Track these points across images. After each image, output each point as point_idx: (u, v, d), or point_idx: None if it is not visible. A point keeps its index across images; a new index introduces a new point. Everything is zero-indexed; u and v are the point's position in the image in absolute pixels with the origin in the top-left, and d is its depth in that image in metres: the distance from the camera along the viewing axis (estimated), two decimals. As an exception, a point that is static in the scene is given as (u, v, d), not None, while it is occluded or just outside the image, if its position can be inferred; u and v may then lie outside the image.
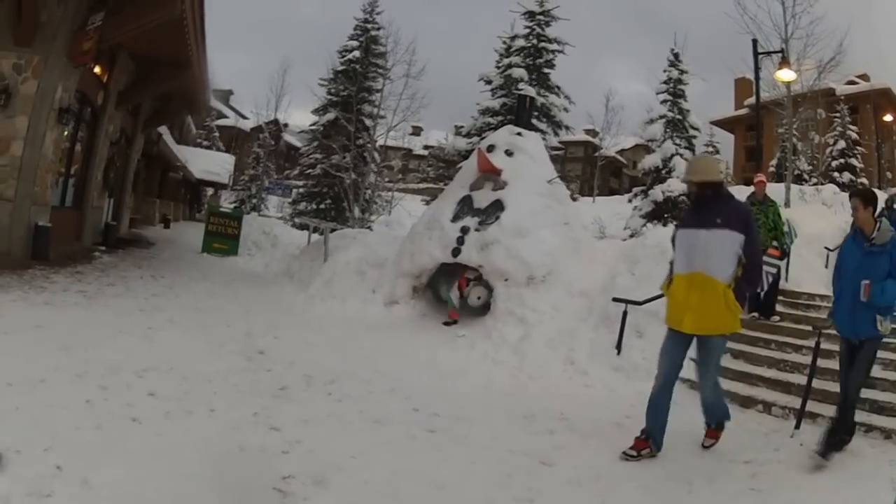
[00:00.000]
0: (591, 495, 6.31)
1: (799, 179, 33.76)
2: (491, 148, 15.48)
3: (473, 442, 7.49)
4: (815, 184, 36.29)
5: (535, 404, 9.40)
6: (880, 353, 8.94)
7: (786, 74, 21.05)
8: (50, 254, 14.79)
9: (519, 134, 15.93)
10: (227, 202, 47.44)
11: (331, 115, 34.46)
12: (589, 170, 73.70)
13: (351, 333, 12.77)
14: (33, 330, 9.16)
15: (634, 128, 58.53)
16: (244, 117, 70.92)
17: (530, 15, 30.59)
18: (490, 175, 14.79)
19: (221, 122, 65.60)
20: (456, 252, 14.04)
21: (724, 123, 64.18)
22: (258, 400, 7.85)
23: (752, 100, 52.29)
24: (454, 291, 14.17)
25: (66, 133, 16.78)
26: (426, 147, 76.57)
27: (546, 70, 29.95)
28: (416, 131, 65.90)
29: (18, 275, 12.71)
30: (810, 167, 44.04)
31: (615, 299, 11.81)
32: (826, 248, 13.51)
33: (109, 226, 22.39)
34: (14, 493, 4.69)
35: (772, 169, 42.64)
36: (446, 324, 13.87)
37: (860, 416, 8.39)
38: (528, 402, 9.51)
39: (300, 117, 53.99)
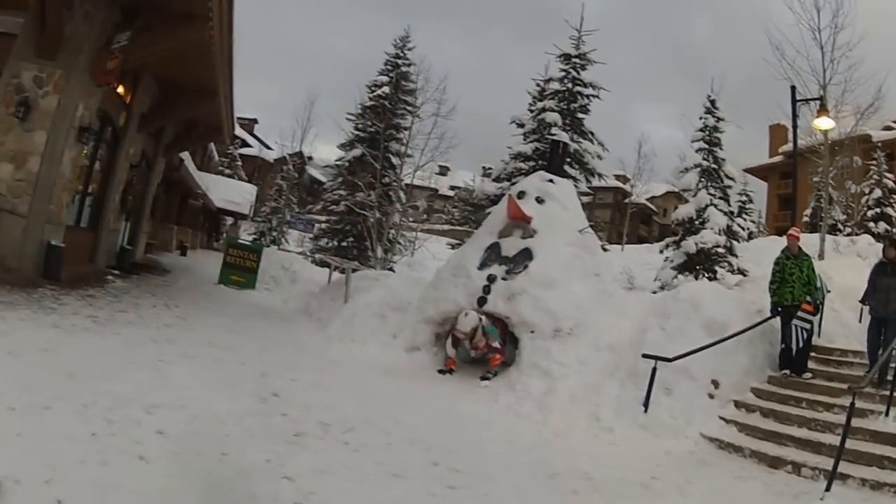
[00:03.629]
0: None
1: (833, 229, 33.34)
2: (521, 194, 15.29)
3: (495, 500, 7.28)
4: (849, 234, 35.96)
5: (558, 462, 9.15)
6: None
7: (824, 123, 20.78)
8: (62, 274, 14.47)
9: (551, 181, 15.77)
10: (246, 233, 47.49)
11: (357, 151, 34.31)
12: (618, 217, 73.56)
13: (370, 379, 12.50)
14: (40, 353, 8.89)
15: (666, 174, 58.29)
16: (268, 147, 71.01)
17: (566, 58, 30.31)
18: (519, 222, 14.62)
19: (245, 150, 65.72)
20: (482, 301, 13.86)
21: (757, 171, 63.66)
22: (271, 446, 7.53)
23: (786, 147, 52.01)
24: (448, 340, 13.94)
25: (85, 152, 16.45)
26: (452, 188, 76.81)
27: (580, 115, 29.73)
28: (443, 171, 66.02)
29: (28, 293, 12.38)
30: (845, 216, 43.50)
31: (644, 355, 11.53)
32: (860, 301, 13.27)
33: (125, 250, 22.12)
34: None
35: (805, 219, 42.31)
36: (441, 371, 13.67)
37: (891, 477, 8.52)
38: (551, 460, 9.24)
39: (325, 151, 54.57)
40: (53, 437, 6.10)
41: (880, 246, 19.78)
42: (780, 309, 12.61)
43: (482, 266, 14.39)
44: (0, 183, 13.48)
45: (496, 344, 13.45)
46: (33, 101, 13.75)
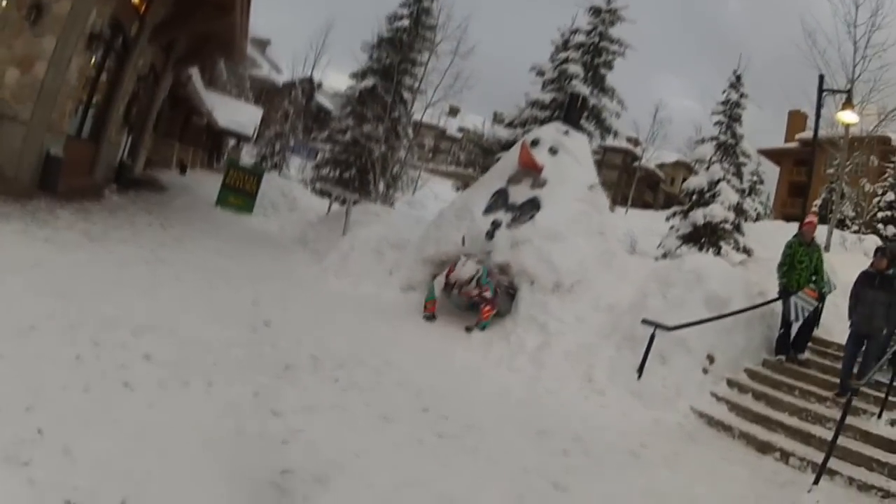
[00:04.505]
0: None
1: (841, 224, 33.20)
2: (535, 143, 15.01)
3: (484, 454, 7.15)
4: (856, 231, 35.79)
5: (549, 420, 9.07)
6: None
7: (848, 117, 20.45)
8: (59, 186, 14.08)
9: (566, 133, 15.47)
10: (247, 156, 47.10)
11: (369, 82, 33.88)
12: (625, 179, 73.28)
13: (363, 316, 12.33)
14: (30, 269, 8.61)
15: (678, 144, 57.98)
16: (278, 70, 70.43)
17: (596, 11, 30.00)
18: (530, 171, 14.37)
19: (254, 72, 65.14)
20: (490, 235, 13.71)
21: (771, 154, 63.01)
22: (260, 378, 7.36)
23: (803, 134, 51.60)
24: (440, 279, 13.56)
25: (93, 61, 16.01)
26: (461, 129, 76.27)
27: (603, 70, 29.45)
28: (453, 112, 65.43)
29: (22, 205, 12.01)
30: (854, 213, 43.27)
31: (645, 321, 11.34)
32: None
33: (124, 164, 21.56)
34: None
35: (814, 209, 42.03)
36: (426, 318, 13.31)
37: (879, 480, 8.46)
38: (542, 417, 9.17)
39: (336, 79, 53.62)
40: (37, 360, 5.89)
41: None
42: (787, 293, 12.38)
43: (487, 211, 14.17)
44: (4, 89, 13.02)
45: (488, 294, 13.12)
46: (46, 4, 13.23)
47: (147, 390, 6.07)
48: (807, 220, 13.56)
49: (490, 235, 13.64)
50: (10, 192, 12.16)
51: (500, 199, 14.28)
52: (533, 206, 13.88)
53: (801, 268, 12.43)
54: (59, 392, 5.45)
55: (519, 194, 14.19)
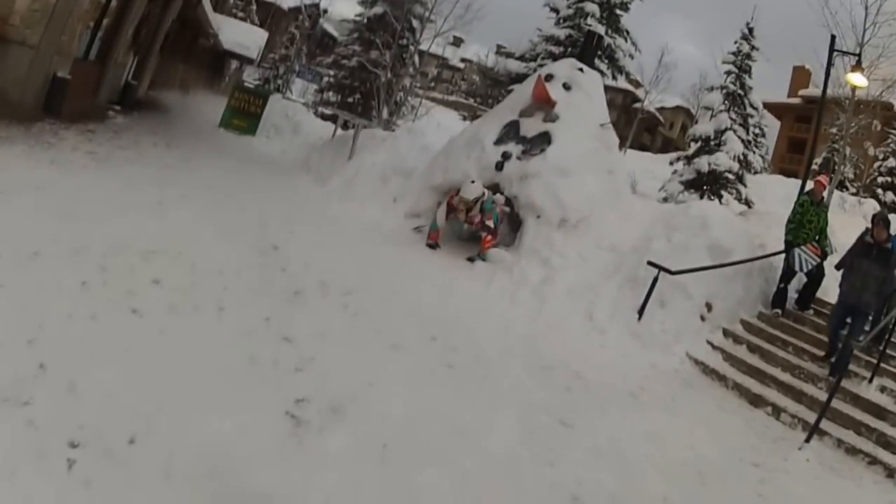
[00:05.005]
0: (609, 467, 6.21)
1: (841, 186, 33.25)
2: (549, 77, 14.81)
3: (492, 387, 7.24)
4: (854, 193, 35.83)
5: (551, 355, 9.15)
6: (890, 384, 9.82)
7: (858, 79, 20.33)
8: (63, 108, 13.87)
9: (580, 70, 15.31)
10: (251, 78, 46.66)
11: (379, 9, 33.63)
12: (624, 119, 72.70)
13: (369, 241, 12.37)
14: (34, 192, 8.39)
15: (681, 89, 57.67)
16: (285, -6, 69.70)
17: (614, -49, 29.74)
18: (543, 105, 14.23)
19: (260, -6, 64.49)
20: (500, 166, 13.63)
21: (773, 108, 62.57)
22: (271, 302, 7.39)
23: (807, 91, 51.36)
24: (442, 209, 13.51)
25: None
26: (463, 60, 75.71)
27: (619, 11, 29.25)
28: (457, 42, 64.83)
29: (26, 127, 11.78)
30: (853, 176, 43.19)
31: (650, 263, 11.39)
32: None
33: (129, 85, 21.18)
34: None
35: (814, 167, 41.93)
36: (429, 246, 13.28)
37: (867, 445, 8.56)
38: (544, 352, 9.24)
39: (343, 6, 53.05)
40: (41, 288, 5.74)
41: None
42: (791, 247, 12.39)
43: (498, 142, 14.06)
44: (14, 15, 12.65)
45: (490, 223, 13.05)
46: None
47: (156, 317, 6.01)
48: (818, 178, 13.44)
49: (500, 167, 13.56)
50: (14, 115, 11.97)
51: (511, 131, 14.17)
52: (544, 139, 13.77)
53: (809, 227, 12.37)
54: (63, 322, 5.33)
55: (531, 127, 14.07)
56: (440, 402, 6.28)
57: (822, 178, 13.41)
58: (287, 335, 6.57)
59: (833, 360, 10.26)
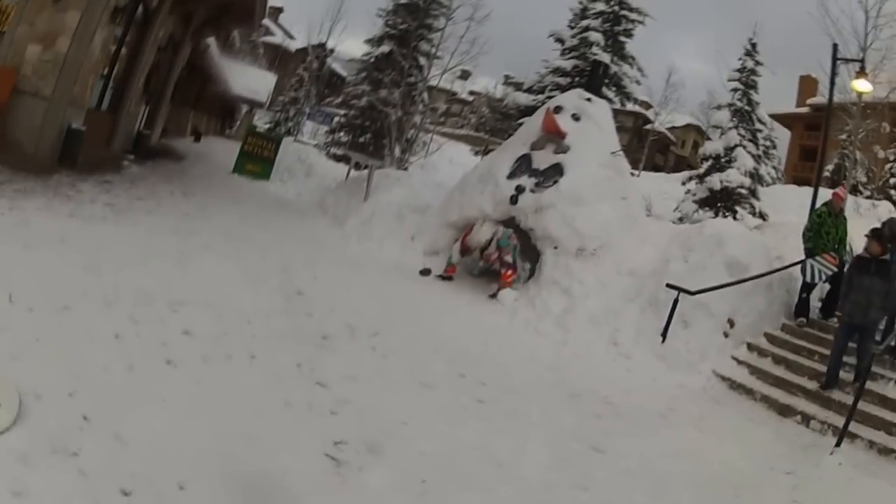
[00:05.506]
0: (643, 489, 6.22)
1: (854, 190, 33.26)
2: (558, 109, 14.96)
3: (523, 417, 7.31)
4: (868, 196, 35.79)
5: (579, 383, 9.23)
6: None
7: (862, 85, 20.42)
8: (79, 159, 13.97)
9: (588, 100, 15.44)
10: (261, 122, 46.91)
11: (386, 48, 33.99)
12: (636, 142, 72.63)
13: (390, 281, 12.53)
14: (57, 245, 8.43)
15: (690, 106, 57.76)
16: (291, 37, 70.09)
17: (614, -21, 30.02)
18: (554, 137, 14.33)
19: (267, 38, 64.91)
20: (514, 200, 13.71)
21: (782, 118, 62.18)
22: (301, 348, 7.47)
23: (815, 99, 51.31)
24: (457, 245, 13.77)
25: (115, 34, 15.86)
26: (472, 93, 75.84)
27: (623, 39, 29.48)
28: (464, 75, 65.45)
29: (44, 180, 11.91)
30: (866, 179, 43.13)
31: (669, 285, 11.48)
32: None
33: (142, 134, 21.39)
34: (35, 449, 4.18)
35: (826, 174, 41.85)
36: (441, 277, 13.51)
37: None
38: (572, 380, 9.34)
39: (349, 45, 53.39)
40: (75, 341, 5.79)
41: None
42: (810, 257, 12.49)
43: (511, 176, 14.14)
44: (25, 64, 12.92)
45: (509, 258, 13.19)
46: None
47: (191, 366, 6.10)
48: (835, 191, 13.56)
49: (514, 200, 13.65)
50: (30, 167, 12.10)
51: (523, 164, 14.25)
52: (557, 171, 13.87)
53: (828, 238, 12.47)
54: (101, 373, 5.39)
55: (542, 159, 14.17)
56: (474, 435, 6.36)
57: (840, 192, 13.52)
58: (319, 379, 6.68)
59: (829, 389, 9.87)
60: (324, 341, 8.01)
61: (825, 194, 16.51)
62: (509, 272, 13.09)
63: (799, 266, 12.50)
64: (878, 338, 10.30)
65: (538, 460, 6.21)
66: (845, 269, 11.38)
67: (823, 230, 12.50)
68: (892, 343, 10.03)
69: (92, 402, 4.83)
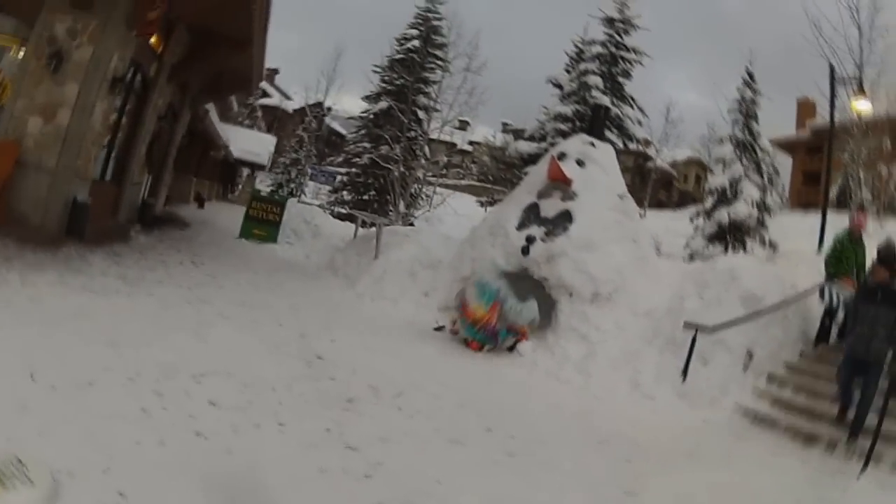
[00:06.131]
0: None
1: (861, 209, 33.34)
2: (562, 156, 15.08)
3: (556, 467, 7.32)
4: (875, 213, 35.76)
5: (605, 428, 9.29)
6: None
7: (862, 105, 20.56)
8: (86, 231, 13.90)
9: (591, 144, 15.57)
10: (263, 185, 47.09)
11: (384, 104, 34.16)
12: (638, 180, 72.77)
13: (407, 339, 12.51)
14: (73, 320, 8.42)
15: (690, 139, 58.01)
16: (288, 98, 70.52)
17: (609, 22, 30.25)
18: (560, 184, 14.42)
19: (264, 101, 65.32)
20: (525, 251, 13.75)
21: (782, 144, 62.43)
22: (328, 413, 7.49)
23: (814, 122, 51.49)
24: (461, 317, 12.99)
25: (116, 104, 15.95)
26: (472, 143, 76.10)
27: (621, 79, 29.68)
28: (463, 126, 66.11)
29: (52, 253, 11.91)
30: (871, 197, 43.13)
31: (686, 324, 11.49)
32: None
33: (147, 203, 21.51)
34: None
35: (832, 196, 41.89)
36: (453, 332, 13.10)
37: None
38: (598, 425, 9.41)
39: (347, 103, 53.77)
40: (103, 418, 5.76)
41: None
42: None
43: (521, 226, 14.21)
44: (27, 137, 12.95)
45: (517, 320, 12.66)
46: (66, 52, 13.24)
47: (221, 437, 6.08)
48: (857, 219, 13.60)
49: (525, 251, 13.71)
50: (38, 240, 12.10)
51: (531, 214, 14.36)
52: (565, 218, 13.95)
53: (848, 263, 12.55)
54: (133, 449, 5.37)
55: (550, 208, 14.26)
56: (508, 489, 6.37)
57: (860, 217, 13.67)
58: (349, 443, 6.67)
59: (847, 437, 9.25)
60: (349, 404, 8.01)
61: (833, 219, 16.58)
62: (522, 337, 12.68)
63: (817, 293, 12.58)
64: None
65: None
66: (853, 300, 10.65)
67: (844, 256, 12.59)
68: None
69: (126, 478, 4.82)
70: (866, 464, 8.44)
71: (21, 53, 13.70)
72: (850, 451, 9.01)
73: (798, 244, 26.07)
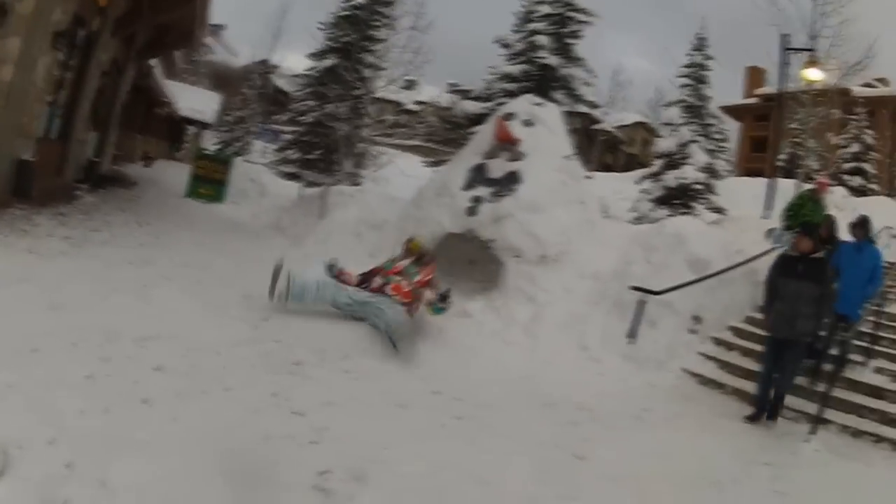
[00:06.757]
0: (629, 492, 6.30)
1: (808, 178, 33.89)
2: (509, 116, 14.98)
3: (502, 432, 7.29)
4: (823, 184, 36.34)
5: (553, 392, 9.31)
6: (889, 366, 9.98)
7: (813, 74, 20.70)
8: (32, 191, 13.64)
9: (539, 104, 15.52)
10: (209, 143, 46.57)
11: (329, 62, 33.76)
12: (585, 142, 73.06)
13: (353, 300, 12.28)
14: (17, 284, 8.23)
15: (638, 105, 58.46)
16: (234, 55, 69.49)
17: (558, -19, 30.11)
18: (507, 145, 14.35)
19: (210, 57, 64.46)
20: (472, 211, 13.64)
21: (731, 110, 63.07)
22: (273, 377, 7.37)
23: (763, 89, 52.18)
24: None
25: (58, 59, 15.34)
26: (418, 102, 75.81)
27: (570, 41, 29.52)
28: (409, 85, 65.96)
29: None
30: (818, 167, 43.74)
31: (633, 287, 11.51)
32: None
33: (92, 162, 21.18)
34: (25, 502, 4.10)
35: (778, 164, 42.52)
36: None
37: (870, 426, 8.88)
38: (545, 389, 9.42)
39: (293, 60, 53.14)
40: (48, 386, 5.61)
41: (856, 200, 19.71)
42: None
43: (467, 187, 14.14)
44: None
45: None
46: (9, 4, 12.59)
47: (167, 404, 5.94)
48: (819, 180, 14.26)
49: (472, 211, 13.62)
50: None
51: (478, 175, 14.26)
52: (512, 179, 13.87)
53: (804, 219, 12.60)
54: (78, 418, 5.24)
55: (497, 168, 14.16)
56: (455, 453, 6.33)
57: (824, 180, 14.22)
58: (296, 408, 6.57)
59: (766, 416, 9.02)
60: (296, 368, 7.91)
61: (781, 185, 16.78)
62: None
63: (758, 258, 12.66)
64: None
65: (522, 474, 6.19)
66: (769, 271, 9.73)
67: (802, 212, 12.81)
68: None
69: (73, 449, 4.67)
70: (815, 427, 8.55)
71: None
72: (799, 415, 9.14)
73: (745, 210, 26.33)
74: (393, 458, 5.87)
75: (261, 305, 10.23)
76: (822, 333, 9.76)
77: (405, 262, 11.00)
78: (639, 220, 26.66)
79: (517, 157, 14.24)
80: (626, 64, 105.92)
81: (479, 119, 23.36)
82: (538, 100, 15.80)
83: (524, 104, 15.67)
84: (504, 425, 7.50)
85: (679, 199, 28.61)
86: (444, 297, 10.64)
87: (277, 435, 5.89)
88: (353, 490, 5.19)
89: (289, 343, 8.77)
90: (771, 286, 9.27)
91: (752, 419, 9.01)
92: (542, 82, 16.04)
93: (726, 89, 59.71)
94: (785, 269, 9.16)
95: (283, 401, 6.74)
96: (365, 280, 10.90)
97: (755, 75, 57.63)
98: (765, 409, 9.06)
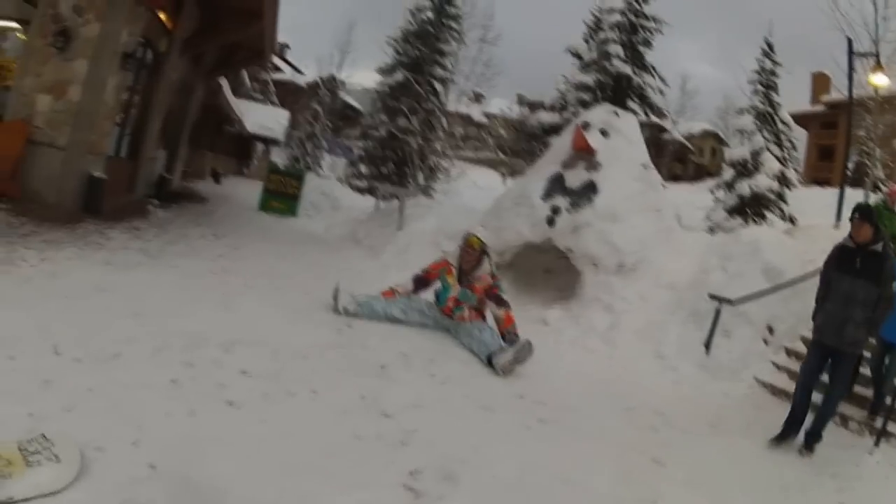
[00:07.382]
0: (704, 495, 6.36)
1: (875, 188, 33.28)
2: (586, 126, 15.07)
3: (585, 434, 7.39)
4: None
5: (632, 397, 9.38)
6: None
7: (879, 79, 20.47)
8: (103, 207, 13.95)
9: (616, 113, 15.62)
10: (278, 159, 47.03)
11: (399, 76, 33.79)
12: (653, 153, 72.21)
13: (435, 307, 12.48)
14: (96, 294, 8.29)
15: (707, 113, 57.70)
16: (300, 72, 70.10)
17: (628, -10, 30.04)
18: (584, 154, 14.45)
19: (277, 76, 64.94)
20: (551, 221, 13.79)
21: (798, 118, 61.54)
22: (360, 380, 7.45)
23: (829, 96, 51.16)
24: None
25: (127, 79, 15.89)
26: (486, 115, 75.66)
27: (642, 49, 29.42)
28: (478, 98, 65.94)
29: (70, 229, 11.85)
30: (885, 175, 42.80)
31: (711, 296, 11.53)
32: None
33: (163, 178, 21.52)
34: (104, 502, 4.05)
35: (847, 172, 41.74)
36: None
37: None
38: (624, 394, 9.49)
39: (361, 76, 53.56)
40: (130, 389, 5.63)
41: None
42: None
43: (546, 197, 14.23)
44: (38, 116, 13.04)
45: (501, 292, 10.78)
46: (73, 29, 13.22)
47: (254, 406, 5.99)
48: (893, 188, 13.79)
49: (551, 221, 13.75)
50: (55, 217, 12.06)
51: (556, 185, 14.36)
52: (590, 188, 13.98)
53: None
54: (163, 420, 5.24)
55: (575, 178, 14.27)
56: (541, 455, 6.41)
57: (894, 188, 13.81)
58: (384, 410, 6.67)
59: (803, 444, 8.04)
60: (382, 371, 8.02)
61: (851, 194, 16.61)
62: (509, 312, 10.53)
63: None
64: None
65: (605, 475, 6.29)
66: (824, 264, 8.56)
67: (881, 221, 12.69)
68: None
69: (157, 451, 4.69)
70: (878, 440, 8.50)
71: (24, 35, 13.85)
72: (862, 427, 9.09)
73: (814, 220, 26.06)
74: (482, 459, 5.97)
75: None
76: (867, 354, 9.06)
77: (457, 290, 10.70)
78: (712, 229, 26.46)
79: (594, 166, 14.34)
80: (692, 71, 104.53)
81: (553, 129, 23.44)
82: (614, 108, 15.89)
83: (601, 113, 15.76)
84: (586, 428, 7.59)
85: (752, 208, 28.31)
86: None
87: (367, 436, 5.98)
88: (444, 490, 5.28)
89: (374, 348, 8.92)
90: (825, 281, 8.22)
91: (777, 441, 8.06)
92: (617, 91, 16.05)
93: (791, 96, 58.92)
94: (841, 262, 7.94)
95: (371, 403, 6.84)
96: (420, 284, 11.14)
97: (820, 81, 56.46)
98: (796, 427, 8.15)
